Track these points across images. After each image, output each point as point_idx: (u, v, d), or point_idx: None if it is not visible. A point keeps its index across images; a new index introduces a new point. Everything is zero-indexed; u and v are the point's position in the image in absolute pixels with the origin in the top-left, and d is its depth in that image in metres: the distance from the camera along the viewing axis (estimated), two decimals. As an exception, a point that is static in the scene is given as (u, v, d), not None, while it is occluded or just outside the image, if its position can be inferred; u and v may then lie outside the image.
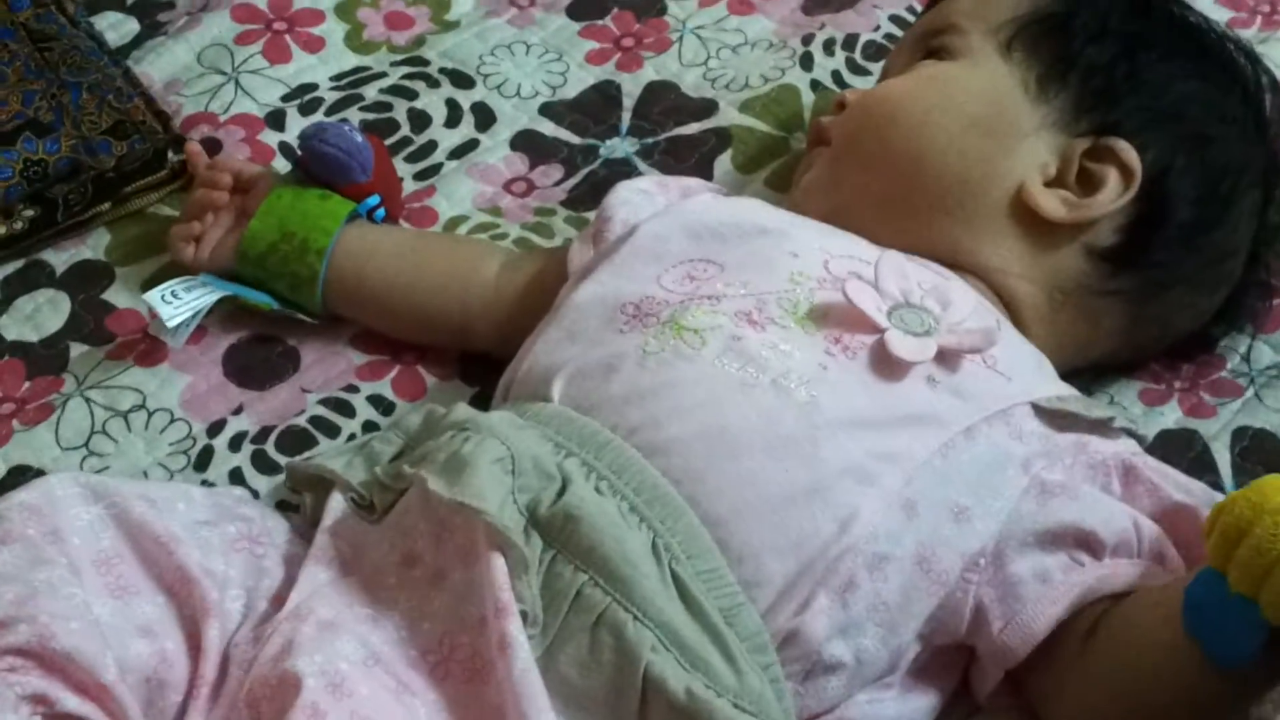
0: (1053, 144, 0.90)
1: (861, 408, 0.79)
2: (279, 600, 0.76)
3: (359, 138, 1.00)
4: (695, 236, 0.88)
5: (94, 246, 1.04)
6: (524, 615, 0.72)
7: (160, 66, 1.14)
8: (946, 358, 0.81)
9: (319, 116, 1.12)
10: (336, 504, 0.79)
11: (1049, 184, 0.90)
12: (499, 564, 0.72)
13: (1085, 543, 0.78)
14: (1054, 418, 0.82)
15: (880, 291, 0.82)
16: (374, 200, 1.00)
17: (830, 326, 0.81)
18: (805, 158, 0.99)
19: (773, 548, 0.76)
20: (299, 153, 1.01)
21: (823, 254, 0.86)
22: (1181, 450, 0.93)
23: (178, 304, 0.94)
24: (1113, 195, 0.89)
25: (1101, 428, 0.84)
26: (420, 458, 0.78)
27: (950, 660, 0.81)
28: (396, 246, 0.99)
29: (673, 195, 0.95)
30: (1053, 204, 0.89)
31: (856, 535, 0.76)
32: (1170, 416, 0.96)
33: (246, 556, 0.79)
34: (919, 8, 1.19)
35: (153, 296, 0.95)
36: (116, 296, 1.02)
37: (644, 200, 0.94)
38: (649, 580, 0.73)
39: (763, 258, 0.86)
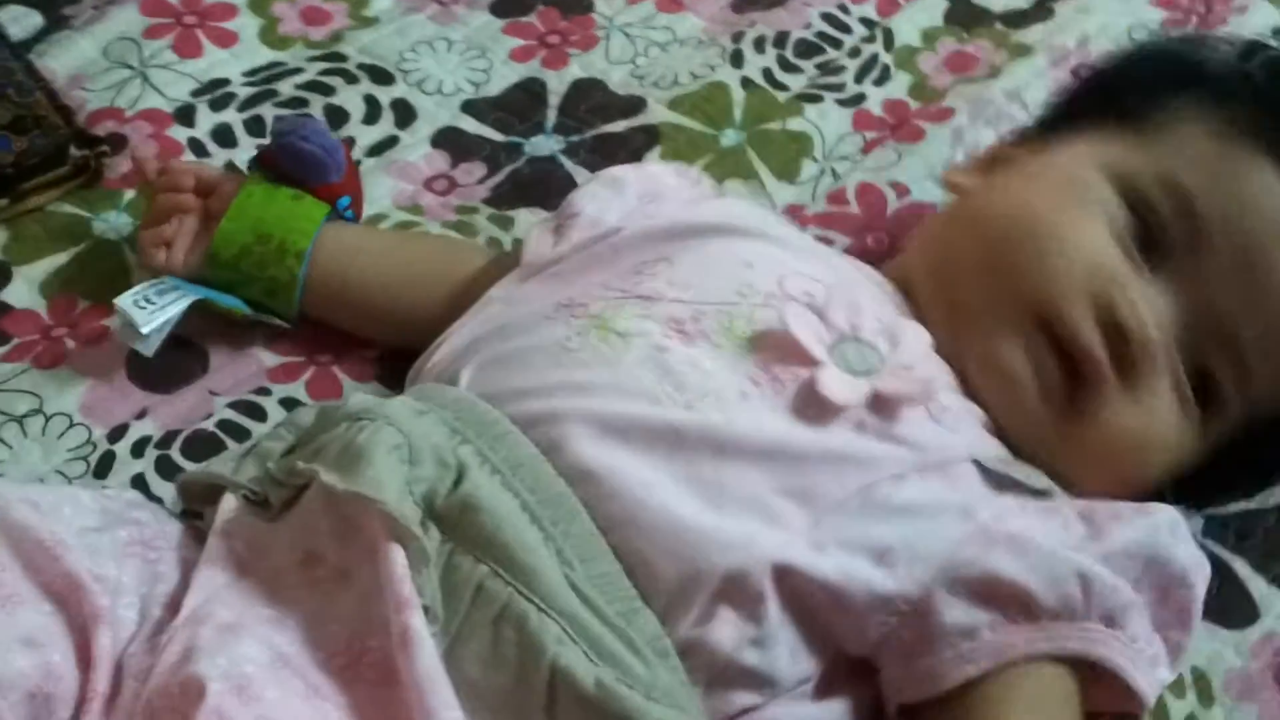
0: None
1: (778, 442, 0.75)
2: (175, 607, 0.72)
3: (332, 136, 0.96)
4: (651, 240, 0.85)
5: (-10, 245, 0.99)
6: (425, 610, 0.68)
7: (64, 60, 1.09)
8: (881, 403, 0.77)
9: (230, 113, 1.08)
10: (228, 504, 0.74)
11: None
12: (398, 556, 0.68)
13: (1021, 602, 0.75)
14: (996, 480, 0.79)
15: (825, 321, 0.78)
16: (345, 201, 0.96)
17: (764, 352, 0.78)
18: (1043, 358, 0.82)
19: (665, 554, 0.72)
20: (270, 149, 0.96)
21: (780, 268, 0.82)
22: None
23: (151, 309, 0.89)
24: None
25: (1041, 498, 0.80)
26: (315, 451, 0.74)
27: (869, 668, 0.78)
28: (380, 247, 0.95)
29: (645, 186, 0.91)
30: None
31: (756, 555, 0.73)
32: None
33: (139, 562, 0.74)
34: (850, 6, 1.17)
35: (125, 301, 0.89)
36: (14, 296, 0.96)
37: (612, 195, 0.90)
38: (551, 570, 0.70)
39: (714, 262, 0.83)
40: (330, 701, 0.67)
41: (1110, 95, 0.91)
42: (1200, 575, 0.79)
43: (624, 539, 0.73)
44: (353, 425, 0.73)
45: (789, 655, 0.74)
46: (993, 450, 0.80)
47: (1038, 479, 0.80)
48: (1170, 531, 0.79)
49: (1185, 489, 0.85)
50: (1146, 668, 0.77)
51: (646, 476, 0.74)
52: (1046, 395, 0.81)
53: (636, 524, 0.73)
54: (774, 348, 0.78)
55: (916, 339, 0.80)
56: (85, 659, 0.69)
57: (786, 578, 0.73)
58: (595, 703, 0.67)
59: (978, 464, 0.79)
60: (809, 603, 0.74)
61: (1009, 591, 0.74)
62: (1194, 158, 0.83)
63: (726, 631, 0.72)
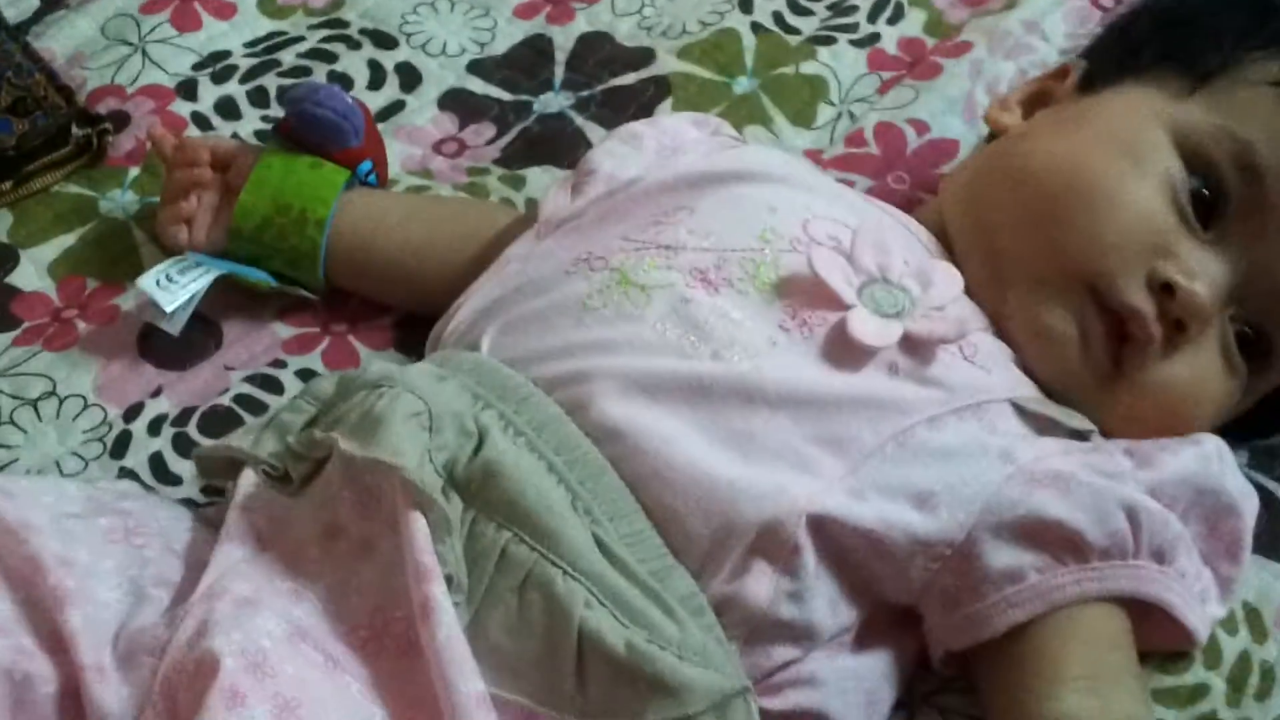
0: None
1: (808, 388, 0.73)
2: (184, 588, 0.70)
3: (349, 99, 0.93)
4: (671, 190, 0.83)
5: (-3, 229, 0.98)
6: (448, 580, 0.66)
7: (62, 40, 1.08)
8: (914, 345, 0.75)
9: (233, 85, 1.06)
10: (248, 480, 0.73)
11: None
12: (419, 524, 0.66)
13: (1070, 542, 0.72)
14: (1034, 421, 0.77)
15: (853, 263, 0.76)
16: (367, 166, 0.94)
17: (792, 297, 0.76)
18: (1090, 322, 0.79)
19: (697, 511, 0.71)
20: (284, 118, 0.94)
21: (804, 212, 0.80)
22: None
23: (173, 288, 0.88)
24: None
25: (1080, 439, 0.78)
26: (334, 420, 0.72)
27: (912, 616, 0.76)
28: (404, 212, 0.93)
29: (664, 140, 0.89)
30: None
31: (789, 506, 0.71)
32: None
33: (124, 548, 0.72)
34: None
35: (146, 282, 0.88)
36: (23, 279, 0.95)
37: (630, 150, 0.88)
38: (576, 532, 0.68)
39: (736, 208, 0.81)
40: (351, 674, 0.65)
41: (1170, 40, 0.86)
42: (1250, 505, 0.77)
43: (654, 496, 0.71)
44: (371, 393, 0.72)
45: (828, 606, 0.72)
46: (1029, 391, 0.78)
47: (1077, 419, 0.78)
48: (1219, 460, 0.77)
49: (1227, 429, 0.83)
50: (1197, 604, 0.76)
51: (674, 431, 0.72)
52: (1091, 357, 0.78)
53: (665, 480, 0.71)
54: (802, 292, 0.76)
55: (948, 280, 0.78)
56: (57, 639, 0.67)
57: (823, 527, 0.71)
58: (626, 665, 0.65)
59: (1014, 404, 0.77)
60: (847, 552, 0.72)
61: (1055, 532, 0.72)
62: (1260, 118, 0.79)
63: (762, 585, 0.71)
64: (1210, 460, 0.77)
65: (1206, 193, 0.79)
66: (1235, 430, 0.83)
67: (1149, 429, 0.78)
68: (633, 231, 0.80)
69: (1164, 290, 0.77)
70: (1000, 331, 0.80)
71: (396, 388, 0.71)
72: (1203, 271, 0.78)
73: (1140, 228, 0.78)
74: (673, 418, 0.72)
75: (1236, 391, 0.81)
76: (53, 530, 0.70)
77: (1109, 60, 0.89)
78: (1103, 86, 0.86)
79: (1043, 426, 0.77)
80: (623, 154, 0.87)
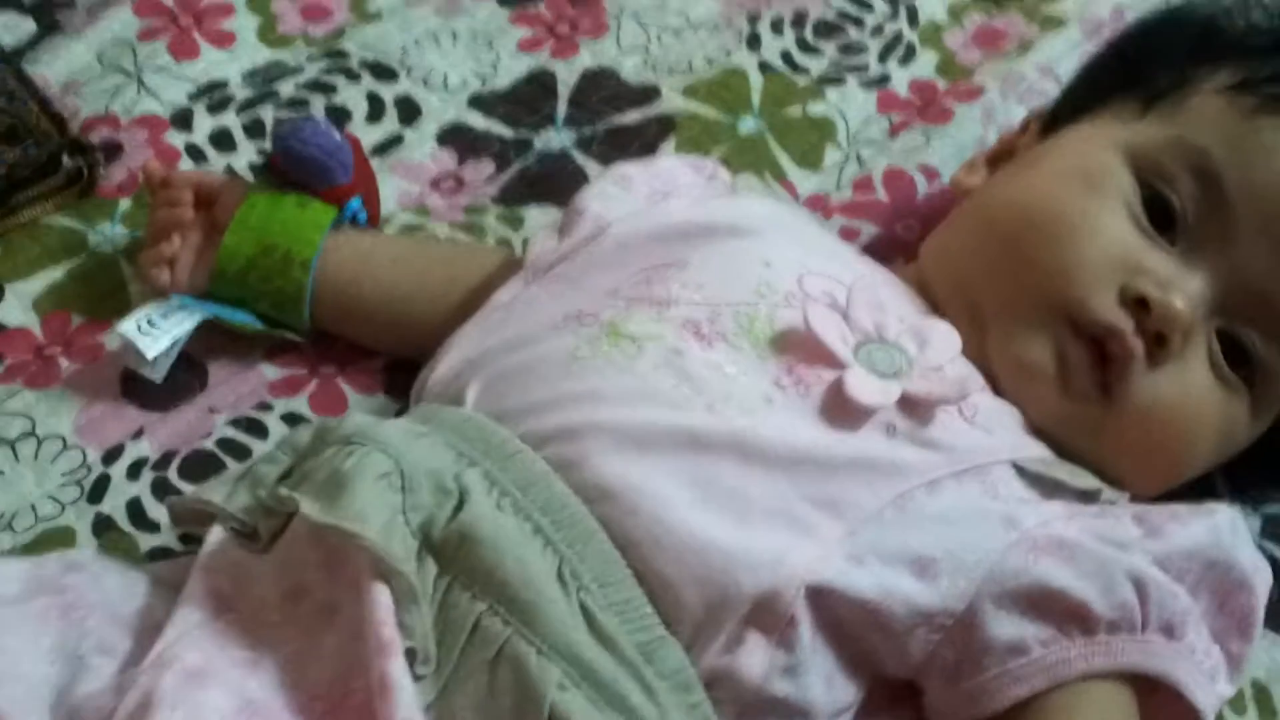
0: None
1: (805, 447, 0.71)
2: (135, 654, 0.67)
3: (337, 135, 0.91)
4: (662, 241, 0.81)
5: (-19, 262, 0.96)
6: (412, 653, 0.63)
7: (57, 67, 1.05)
8: (912, 405, 0.73)
9: (229, 115, 1.04)
10: (215, 535, 0.70)
11: None
12: (382, 595, 0.64)
13: (1076, 614, 0.70)
14: (1038, 483, 0.75)
15: (849, 322, 0.74)
16: (356, 203, 0.91)
17: (787, 354, 0.74)
18: (1068, 350, 0.78)
19: (691, 580, 0.68)
20: (272, 155, 0.92)
21: (799, 267, 0.78)
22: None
23: (155, 333, 0.86)
24: None
25: (1087, 500, 0.76)
26: (300, 478, 0.69)
27: (910, 691, 0.73)
28: (392, 255, 0.91)
29: (655, 184, 0.87)
30: None
31: (787, 575, 0.68)
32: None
33: (61, 625, 0.69)
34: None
35: (127, 328, 0.86)
36: (6, 314, 0.93)
37: (621, 192, 0.86)
38: (555, 607, 0.65)
39: (730, 261, 0.79)
40: None
41: (1123, 70, 0.86)
42: (1263, 580, 0.75)
43: (646, 560, 0.69)
44: (341, 450, 0.69)
45: (824, 684, 0.70)
46: (1034, 451, 0.76)
47: (1084, 478, 0.76)
48: (1231, 532, 0.74)
49: (1247, 474, 0.82)
50: (1206, 681, 0.73)
51: (668, 491, 0.69)
52: (1076, 385, 0.77)
53: (659, 544, 0.69)
54: (797, 349, 0.74)
55: (945, 339, 0.76)
56: None
57: (821, 598, 0.69)
58: None
59: (1017, 466, 0.74)
60: (846, 624, 0.70)
61: (1060, 602, 0.70)
62: (1211, 122, 0.79)
63: (756, 659, 0.68)
64: (1222, 532, 0.74)
65: (1167, 205, 0.78)
66: (1256, 479, 0.81)
67: (1152, 458, 0.77)
68: (623, 286, 0.78)
69: (1139, 305, 0.76)
70: (998, 389, 0.78)
71: (367, 445, 0.69)
72: (1176, 282, 0.76)
73: (1104, 248, 0.77)
74: (666, 475, 0.70)
75: (1239, 411, 0.78)
76: None
77: (1066, 104, 0.89)
78: (1061, 129, 0.85)
79: (1048, 489, 0.75)
80: (612, 195, 0.85)
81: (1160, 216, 0.78)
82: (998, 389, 0.78)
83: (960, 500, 0.72)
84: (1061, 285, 0.77)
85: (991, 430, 0.75)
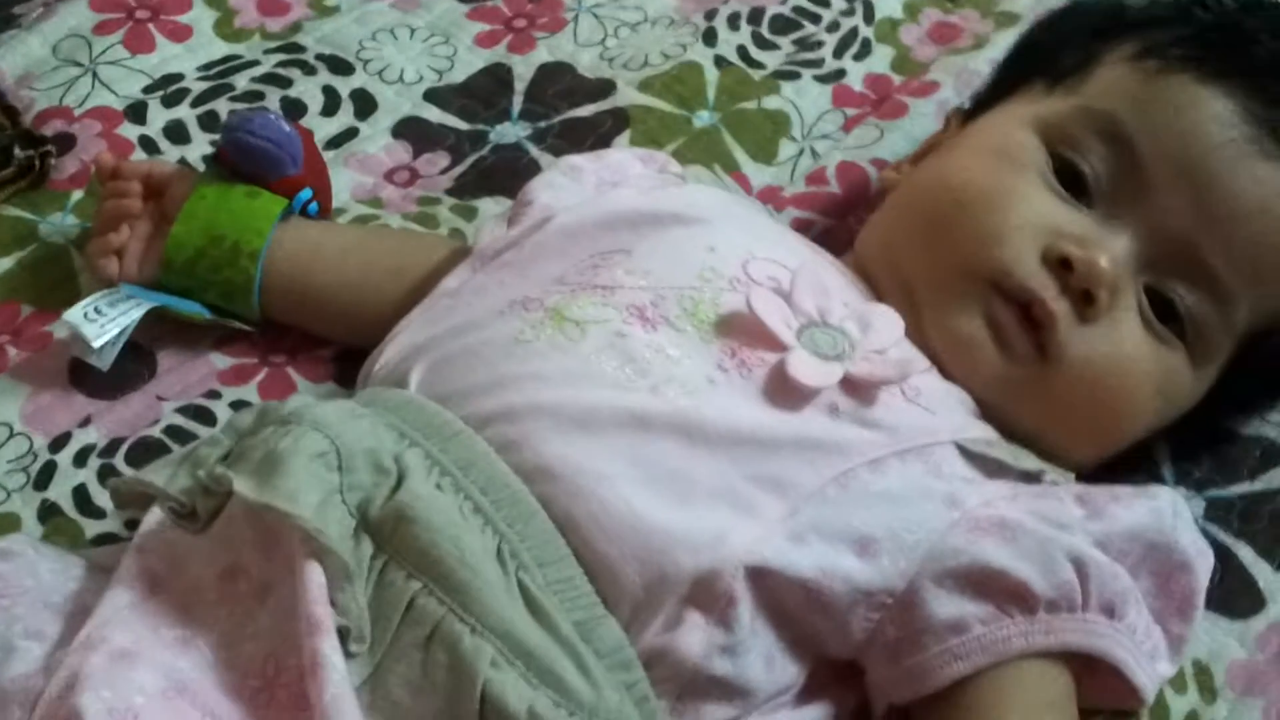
0: None
1: (748, 427, 0.71)
2: (65, 637, 0.67)
3: (286, 126, 0.91)
4: (608, 228, 0.81)
5: (-68, 251, 0.96)
6: (345, 631, 0.63)
7: (12, 60, 1.06)
8: (855, 386, 0.73)
9: (184, 109, 1.04)
10: (152, 518, 0.70)
11: None
12: (314, 573, 0.64)
13: (1015, 593, 0.70)
14: (982, 463, 0.75)
15: (792, 305, 0.75)
16: (306, 194, 0.91)
17: (730, 337, 0.74)
18: (996, 310, 0.78)
19: (630, 559, 0.68)
20: (221, 146, 0.91)
21: (744, 253, 0.78)
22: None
23: (102, 320, 0.85)
24: None
25: (1030, 480, 0.76)
26: (237, 456, 0.69)
27: (852, 671, 0.73)
28: (341, 244, 0.90)
29: (604, 175, 0.87)
30: None
31: (727, 555, 0.69)
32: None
33: None
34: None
35: (74, 315, 0.85)
36: (-45, 304, 0.93)
37: (570, 183, 0.86)
38: (490, 587, 0.65)
39: (675, 248, 0.79)
40: None
41: (1033, 58, 0.88)
42: (1204, 563, 0.75)
43: (585, 540, 0.69)
44: (278, 430, 0.69)
45: (764, 663, 0.70)
46: (977, 432, 0.76)
47: (1026, 459, 0.76)
48: (1173, 514, 0.75)
49: (1191, 451, 0.83)
50: (1146, 661, 0.73)
51: (610, 470, 0.69)
52: (1012, 350, 0.77)
53: (599, 524, 0.69)
54: (740, 332, 0.74)
55: (888, 323, 0.77)
56: None
57: (760, 579, 0.69)
58: None
59: (960, 447, 0.74)
60: (786, 604, 0.70)
61: (1000, 582, 0.70)
62: (1116, 88, 0.81)
63: (695, 638, 0.68)
64: (1163, 515, 0.75)
65: (1078, 171, 0.79)
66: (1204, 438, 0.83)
67: (1092, 415, 0.78)
68: (569, 273, 0.78)
69: (1062, 266, 0.76)
70: (944, 371, 0.78)
71: (303, 425, 0.69)
72: (1098, 240, 0.77)
73: (1023, 214, 0.78)
74: (608, 455, 0.70)
75: (1176, 364, 0.79)
76: None
77: (983, 97, 0.91)
78: (981, 117, 0.87)
79: (991, 469, 0.75)
80: (561, 185, 0.86)
81: (1074, 183, 0.79)
82: (944, 372, 0.78)
83: (903, 479, 0.72)
84: (983, 253, 0.77)
85: (935, 411, 0.75)
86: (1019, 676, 0.71)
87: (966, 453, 0.75)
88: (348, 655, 0.63)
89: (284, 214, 0.90)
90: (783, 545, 0.69)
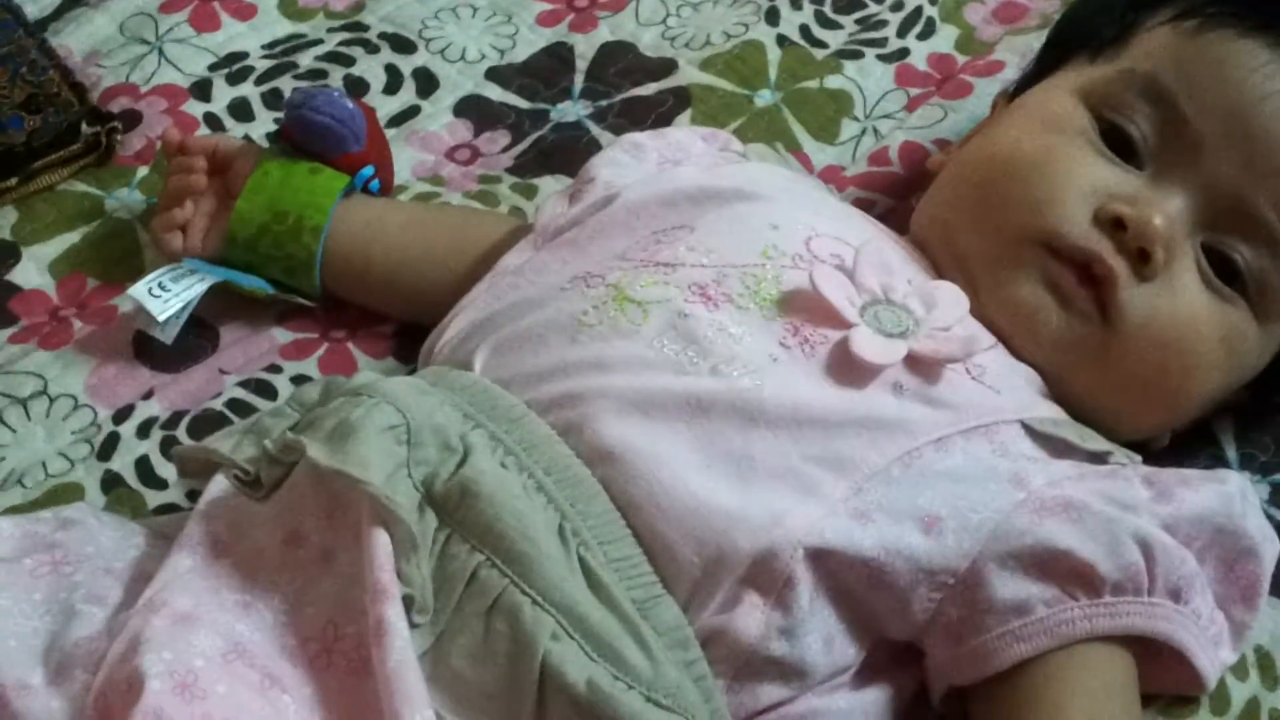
0: None
1: (810, 406, 0.71)
2: (127, 601, 0.67)
3: (349, 104, 0.92)
4: (671, 205, 0.81)
5: (0, 225, 0.97)
6: (410, 600, 0.64)
7: (80, 38, 1.07)
8: (919, 364, 0.72)
9: (248, 86, 1.04)
10: (217, 485, 0.71)
11: None
12: (381, 541, 0.64)
13: (1081, 575, 0.69)
14: (1047, 443, 0.74)
15: (856, 282, 0.74)
16: (368, 171, 0.92)
17: (793, 314, 0.73)
18: (1055, 272, 0.78)
19: (689, 540, 0.68)
20: (284, 123, 0.92)
21: (807, 230, 0.78)
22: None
23: (166, 295, 0.86)
24: None
25: (1097, 461, 0.75)
26: (307, 425, 0.70)
27: (913, 653, 0.73)
28: (402, 222, 0.91)
29: (666, 153, 0.87)
30: None
31: (786, 536, 0.68)
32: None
33: (51, 579, 0.69)
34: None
35: (139, 291, 0.87)
36: (22, 277, 0.94)
37: (632, 160, 0.86)
38: (552, 561, 0.65)
39: (737, 225, 0.78)
40: (291, 693, 0.63)
41: (1074, 34, 0.87)
42: (1271, 549, 0.74)
43: (645, 521, 0.69)
44: (349, 401, 0.70)
45: (822, 645, 0.70)
46: (1043, 411, 0.75)
47: (1093, 440, 0.75)
48: (1241, 499, 0.73)
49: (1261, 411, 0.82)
50: (1209, 646, 0.72)
51: (669, 453, 0.69)
52: (1074, 311, 0.77)
53: (658, 505, 0.69)
54: (803, 309, 0.74)
55: (952, 300, 0.76)
56: None
57: (820, 559, 0.69)
58: (586, 704, 0.63)
59: (1025, 426, 0.74)
60: (847, 585, 0.69)
61: (1065, 563, 0.69)
62: (1157, 50, 0.80)
63: (752, 619, 0.68)
64: (1232, 499, 0.73)
65: (1125, 134, 0.79)
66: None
67: (1159, 377, 0.77)
68: (631, 250, 0.78)
69: (1115, 226, 0.76)
70: (1011, 347, 0.78)
71: (375, 398, 0.69)
72: (1150, 200, 0.76)
73: (1072, 178, 0.78)
74: (669, 438, 0.70)
75: (1241, 323, 0.78)
76: None
77: (1026, 78, 0.91)
78: (1026, 92, 0.87)
79: (1057, 449, 0.74)
80: (623, 163, 0.85)
81: (1123, 147, 0.79)
82: (1009, 346, 0.77)
83: (968, 458, 0.71)
84: (1035, 218, 0.77)
85: (1000, 390, 0.74)
86: (1083, 659, 0.70)
87: (1032, 432, 0.74)
88: (411, 625, 0.63)
89: (346, 190, 0.91)
90: (844, 524, 0.69)
